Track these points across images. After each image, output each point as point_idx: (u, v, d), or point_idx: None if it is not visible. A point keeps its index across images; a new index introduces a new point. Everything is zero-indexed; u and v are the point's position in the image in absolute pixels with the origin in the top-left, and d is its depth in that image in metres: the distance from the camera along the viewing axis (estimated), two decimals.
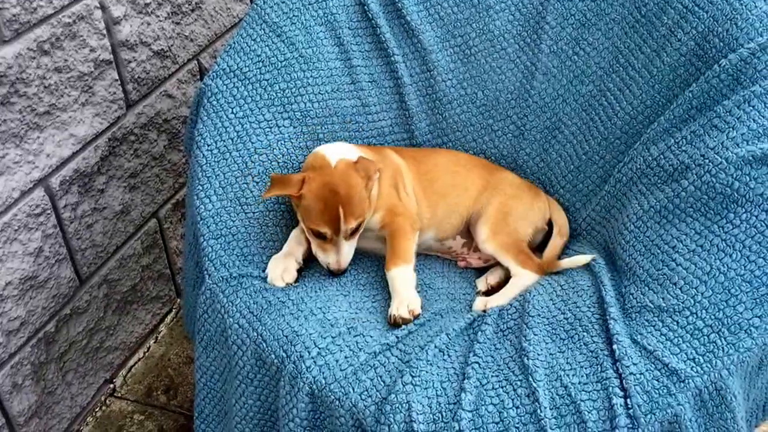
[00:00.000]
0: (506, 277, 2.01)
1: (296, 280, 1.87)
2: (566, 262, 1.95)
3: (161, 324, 2.73)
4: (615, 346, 1.60)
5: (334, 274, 1.85)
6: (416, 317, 1.75)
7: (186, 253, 2.04)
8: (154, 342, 2.69)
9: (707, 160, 1.75)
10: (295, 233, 1.91)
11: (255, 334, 1.72)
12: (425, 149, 2.20)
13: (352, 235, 1.82)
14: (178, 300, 2.77)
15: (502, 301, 1.90)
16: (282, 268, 1.84)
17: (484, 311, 1.88)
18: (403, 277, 1.83)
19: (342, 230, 1.79)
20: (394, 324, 1.74)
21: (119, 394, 2.51)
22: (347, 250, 1.83)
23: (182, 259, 2.68)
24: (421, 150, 2.16)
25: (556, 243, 2.08)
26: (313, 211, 1.79)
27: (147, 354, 2.65)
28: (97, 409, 2.46)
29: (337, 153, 1.89)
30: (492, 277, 2.04)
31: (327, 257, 1.83)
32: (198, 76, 2.63)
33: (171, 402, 2.50)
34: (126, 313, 2.51)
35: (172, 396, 2.52)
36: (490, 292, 1.99)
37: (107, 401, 2.49)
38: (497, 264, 2.05)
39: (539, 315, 1.74)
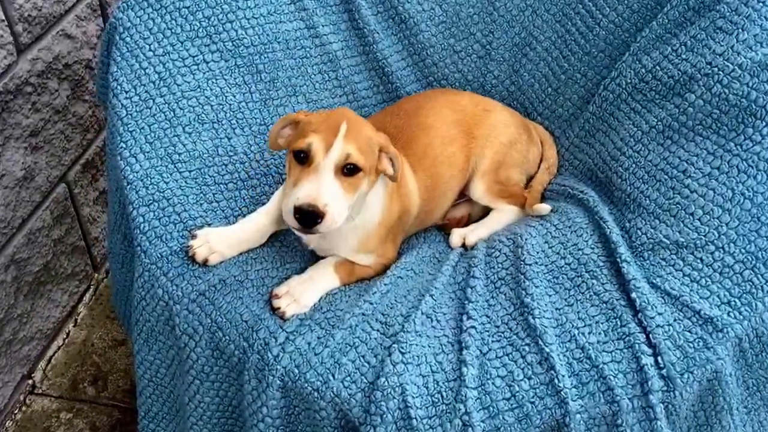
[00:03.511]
0: (474, 211, 2.01)
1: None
2: (536, 209, 1.88)
3: (80, 304, 2.58)
4: (633, 294, 1.52)
5: (304, 218, 1.46)
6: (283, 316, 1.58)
7: (110, 224, 1.91)
8: (74, 326, 2.55)
9: (716, 69, 1.67)
10: (259, 217, 1.71)
11: (209, 321, 1.58)
12: (413, 113, 1.95)
13: (344, 175, 1.51)
14: (96, 275, 2.64)
15: (484, 232, 1.86)
16: (215, 248, 1.65)
17: (464, 247, 1.84)
18: (328, 281, 1.66)
19: (335, 151, 1.49)
20: (272, 306, 1.57)
21: (40, 391, 2.37)
22: (331, 186, 1.48)
23: (98, 227, 2.57)
24: (409, 123, 1.91)
25: (542, 179, 2.02)
26: (309, 125, 1.54)
27: (67, 340, 2.51)
28: (16, 411, 2.31)
29: None
30: (455, 212, 2.00)
31: (299, 190, 1.48)
32: (98, 11, 2.44)
33: (101, 394, 2.35)
34: (40, 296, 2.36)
35: (101, 387, 2.37)
36: (448, 226, 1.96)
37: (27, 400, 2.34)
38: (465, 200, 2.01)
39: (537, 262, 1.66)
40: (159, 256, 1.65)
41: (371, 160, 1.55)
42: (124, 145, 1.75)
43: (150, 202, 1.70)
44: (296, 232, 1.64)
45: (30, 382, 2.36)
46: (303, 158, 1.51)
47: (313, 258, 1.72)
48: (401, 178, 1.72)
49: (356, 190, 1.54)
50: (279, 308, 1.55)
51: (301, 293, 1.58)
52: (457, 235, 1.85)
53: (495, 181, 1.92)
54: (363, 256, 1.70)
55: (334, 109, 1.69)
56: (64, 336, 2.50)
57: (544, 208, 1.84)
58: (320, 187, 1.47)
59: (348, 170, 1.51)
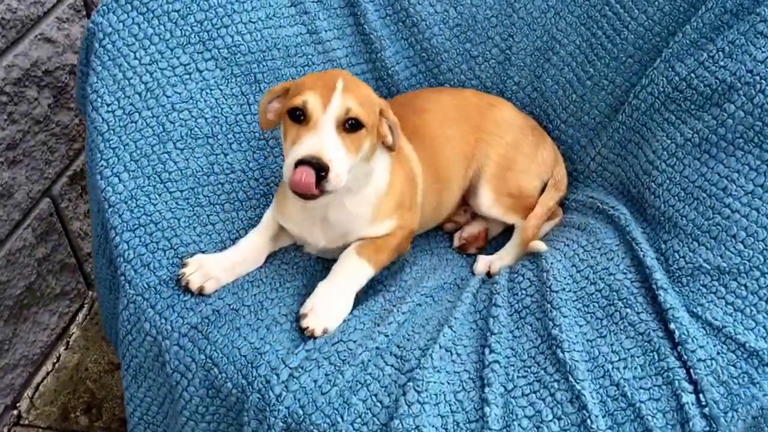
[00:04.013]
0: (492, 226, 1.95)
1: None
2: (533, 245, 1.79)
3: (72, 325, 2.45)
4: (672, 325, 1.44)
5: (304, 184, 1.37)
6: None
7: (95, 248, 1.81)
8: (65, 349, 2.41)
9: (758, 77, 1.60)
10: (253, 237, 1.65)
11: (203, 357, 1.49)
12: (407, 103, 1.90)
13: (346, 132, 1.44)
14: (90, 293, 2.52)
15: (509, 259, 1.81)
16: (210, 274, 1.56)
17: (489, 275, 1.78)
18: (357, 270, 1.59)
19: (334, 104, 1.42)
20: (300, 328, 1.50)
21: (27, 421, 2.24)
22: (333, 141, 1.41)
23: (89, 242, 2.46)
24: (403, 111, 1.80)
25: (549, 197, 1.91)
26: (302, 84, 1.48)
27: (57, 365, 2.37)
28: None
29: None
30: (471, 229, 1.93)
31: (299, 147, 1.40)
32: (83, 12, 2.33)
33: (95, 423, 2.22)
34: (24, 320, 2.24)
35: (95, 416, 2.24)
36: (467, 246, 1.91)
37: None
38: (475, 216, 1.96)
39: (564, 289, 1.58)
40: (146, 286, 1.56)
41: (373, 118, 1.49)
42: (105, 164, 1.66)
43: (135, 226, 1.61)
44: (298, 201, 1.48)
45: (15, 412, 2.26)
46: (299, 116, 1.44)
47: (318, 270, 1.65)
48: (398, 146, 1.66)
49: (359, 150, 1.47)
50: (304, 327, 1.48)
51: (323, 310, 1.51)
52: (482, 263, 1.79)
53: (507, 194, 1.85)
54: (380, 225, 1.63)
55: (327, 70, 1.67)
56: (54, 361, 2.39)
57: (539, 246, 1.75)
58: (323, 141, 1.40)
59: (350, 125, 1.44)
